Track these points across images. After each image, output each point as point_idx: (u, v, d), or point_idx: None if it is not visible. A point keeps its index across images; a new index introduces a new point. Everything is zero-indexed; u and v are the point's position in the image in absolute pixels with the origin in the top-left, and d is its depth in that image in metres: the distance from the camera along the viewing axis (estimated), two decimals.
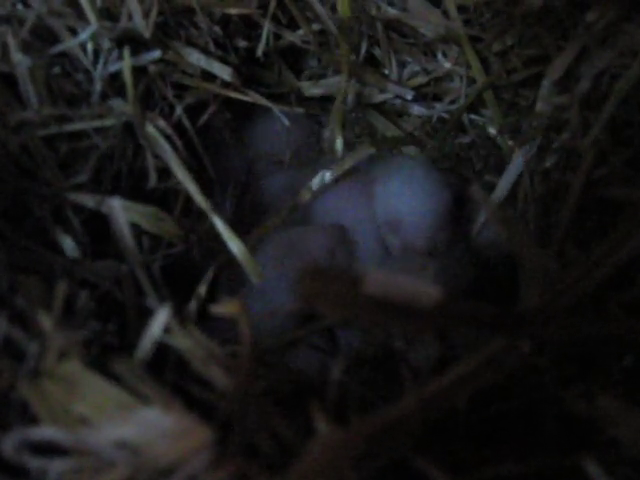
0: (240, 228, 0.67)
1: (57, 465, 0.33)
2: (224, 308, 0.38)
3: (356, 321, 0.28)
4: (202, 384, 0.37)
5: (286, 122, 0.82)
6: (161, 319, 0.38)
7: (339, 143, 0.85)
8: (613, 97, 0.58)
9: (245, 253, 0.63)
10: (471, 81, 0.86)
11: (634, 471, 0.37)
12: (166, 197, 0.69)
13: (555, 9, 0.71)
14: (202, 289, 0.61)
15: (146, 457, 0.31)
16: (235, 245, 0.62)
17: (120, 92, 0.66)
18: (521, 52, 0.78)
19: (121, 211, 0.46)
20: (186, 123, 0.74)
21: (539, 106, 0.73)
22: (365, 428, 0.31)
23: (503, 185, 0.75)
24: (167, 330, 0.38)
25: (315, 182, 0.77)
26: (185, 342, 0.38)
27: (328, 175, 0.77)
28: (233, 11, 0.79)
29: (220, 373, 0.35)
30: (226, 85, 0.78)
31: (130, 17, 0.68)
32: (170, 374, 0.38)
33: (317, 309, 0.27)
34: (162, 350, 0.42)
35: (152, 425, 0.31)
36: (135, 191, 0.66)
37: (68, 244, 0.55)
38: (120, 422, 0.32)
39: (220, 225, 0.62)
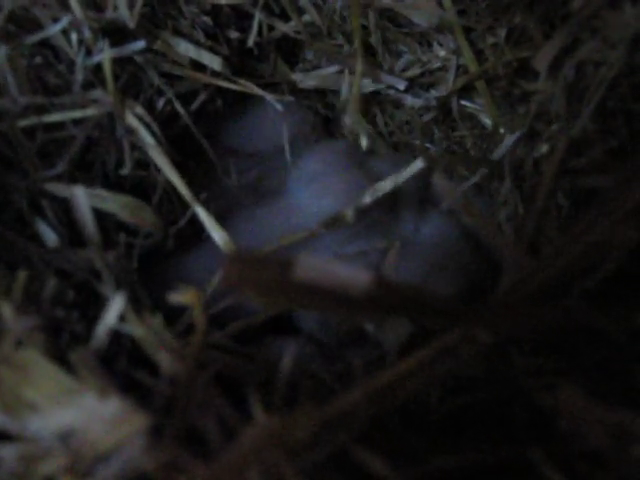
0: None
1: (4, 451, 0.33)
2: (180, 297, 0.38)
3: (286, 306, 0.28)
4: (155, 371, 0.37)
5: (279, 107, 0.81)
6: (116, 307, 0.38)
7: (363, 138, 0.84)
8: (596, 86, 0.57)
9: (228, 243, 0.63)
10: (465, 71, 0.85)
11: (591, 464, 0.36)
12: (152, 188, 0.69)
13: None
14: None
15: (85, 443, 0.31)
16: (218, 235, 0.62)
17: (104, 83, 0.66)
18: (513, 42, 0.77)
19: (84, 199, 0.46)
20: (179, 109, 0.74)
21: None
22: (305, 418, 0.30)
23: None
24: (123, 318, 0.38)
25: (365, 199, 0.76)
26: (139, 330, 0.38)
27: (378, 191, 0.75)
28: (223, 1, 0.79)
29: (168, 359, 0.35)
30: (216, 75, 0.78)
31: (116, 8, 0.69)
32: (123, 361, 0.38)
33: (245, 294, 0.27)
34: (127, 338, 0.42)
35: (90, 411, 0.31)
36: (120, 182, 0.67)
37: (46, 234, 0.55)
38: (62, 409, 0.32)
39: (202, 214, 0.62)
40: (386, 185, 0.70)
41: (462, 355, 0.36)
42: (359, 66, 0.83)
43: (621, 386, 0.39)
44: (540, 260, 0.39)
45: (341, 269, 0.27)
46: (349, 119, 0.86)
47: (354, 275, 0.27)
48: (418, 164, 0.71)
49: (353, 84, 0.85)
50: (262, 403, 0.33)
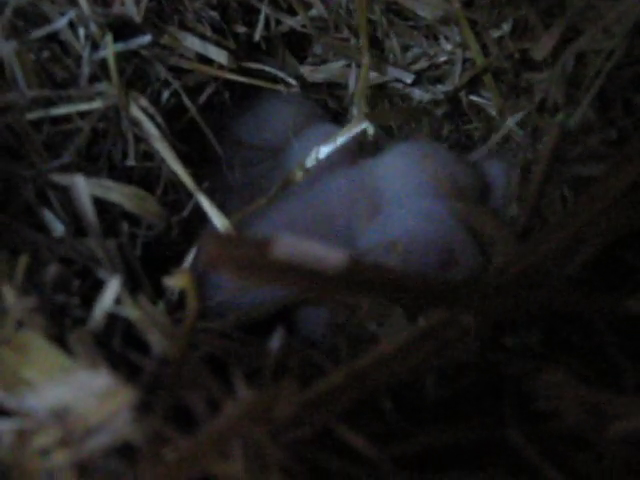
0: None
1: (2, 426, 0.34)
2: (175, 280, 0.40)
3: (263, 285, 0.29)
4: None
5: (288, 92, 0.83)
6: (112, 290, 0.39)
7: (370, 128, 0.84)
8: (595, 75, 0.57)
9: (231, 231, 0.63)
10: (472, 64, 0.85)
11: (570, 443, 0.36)
12: (158, 180, 0.70)
13: None
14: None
15: (76, 417, 0.32)
16: (220, 223, 0.63)
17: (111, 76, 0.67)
18: (518, 35, 0.77)
19: (84, 188, 0.47)
20: (187, 102, 0.75)
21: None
22: (288, 395, 0.31)
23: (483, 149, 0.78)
24: (119, 301, 0.40)
25: (309, 160, 0.76)
26: (135, 312, 0.39)
27: (323, 151, 0.75)
28: None
29: (159, 339, 0.36)
30: (224, 68, 0.79)
31: (123, 2, 0.70)
32: (117, 341, 0.39)
33: (222, 273, 0.28)
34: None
35: (82, 387, 0.32)
36: (127, 173, 0.68)
37: (52, 223, 0.57)
38: (56, 386, 0.33)
39: (205, 203, 0.63)
40: (326, 149, 0.73)
41: (447, 338, 0.37)
42: (365, 59, 0.83)
43: (602, 368, 0.39)
44: (528, 244, 0.40)
45: (317, 248, 0.28)
46: (356, 110, 0.86)
47: (330, 254, 0.28)
48: (362, 124, 0.72)
49: (361, 76, 0.86)
50: (252, 383, 0.34)
